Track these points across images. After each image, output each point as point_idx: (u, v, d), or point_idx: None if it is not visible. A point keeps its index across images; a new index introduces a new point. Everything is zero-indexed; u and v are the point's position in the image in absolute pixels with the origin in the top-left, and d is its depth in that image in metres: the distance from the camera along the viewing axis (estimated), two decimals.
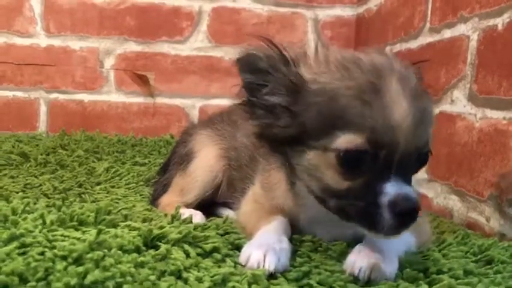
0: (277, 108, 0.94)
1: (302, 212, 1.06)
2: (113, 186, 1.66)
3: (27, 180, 1.63)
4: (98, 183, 1.68)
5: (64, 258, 0.80)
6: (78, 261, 0.80)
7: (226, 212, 1.30)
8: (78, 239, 0.90)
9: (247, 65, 0.95)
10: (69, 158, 1.96)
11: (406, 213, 0.84)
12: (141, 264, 0.82)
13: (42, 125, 2.53)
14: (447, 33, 1.60)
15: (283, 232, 1.01)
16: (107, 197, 1.49)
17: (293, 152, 0.95)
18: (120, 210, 1.30)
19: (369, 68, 0.88)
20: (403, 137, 0.84)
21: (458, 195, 1.45)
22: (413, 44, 1.84)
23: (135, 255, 0.84)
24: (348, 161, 0.87)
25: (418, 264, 0.90)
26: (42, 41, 2.51)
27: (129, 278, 0.76)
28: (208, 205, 1.38)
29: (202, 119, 2.24)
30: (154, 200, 1.43)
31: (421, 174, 1.68)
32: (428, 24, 1.74)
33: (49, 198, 1.41)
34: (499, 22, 1.32)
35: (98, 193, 1.55)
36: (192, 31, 2.61)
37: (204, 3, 2.59)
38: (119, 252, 0.83)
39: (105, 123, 2.56)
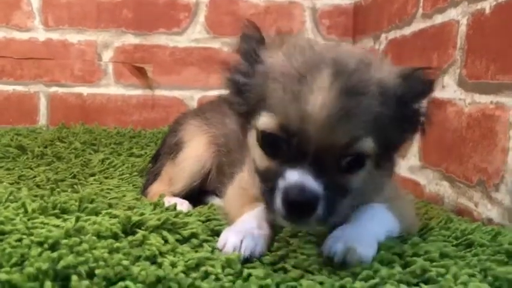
0: (239, 87, 0.97)
1: None
2: (106, 177, 1.67)
3: (22, 172, 1.65)
4: (92, 174, 1.69)
5: (40, 244, 0.82)
6: (54, 247, 0.81)
7: (214, 200, 1.30)
8: (58, 226, 0.91)
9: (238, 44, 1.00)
10: (66, 150, 1.98)
11: (295, 205, 0.82)
12: (117, 250, 0.82)
13: (42, 118, 2.55)
14: (438, 19, 1.58)
15: (264, 218, 1.01)
16: (98, 187, 1.50)
17: (247, 134, 0.98)
18: (110, 199, 1.31)
19: (309, 59, 0.88)
20: (316, 128, 0.83)
21: (449, 181, 1.44)
22: (407, 31, 1.83)
23: (111, 241, 0.85)
24: (266, 142, 0.89)
25: (395, 248, 0.90)
26: (41, 35, 2.52)
27: (101, 263, 0.77)
28: (198, 193, 1.39)
29: None
30: (145, 189, 1.44)
31: (414, 161, 1.67)
32: (421, 10, 1.73)
33: (41, 189, 1.42)
34: (487, 6, 1.30)
35: (91, 184, 1.57)
36: (190, 22, 2.61)
37: None
38: (94, 238, 0.83)
39: (104, 116, 2.57)
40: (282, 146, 0.86)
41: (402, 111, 0.92)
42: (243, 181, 1.15)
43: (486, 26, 1.31)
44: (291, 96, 0.85)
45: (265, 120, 0.88)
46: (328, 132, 0.83)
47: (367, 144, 0.86)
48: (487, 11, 1.30)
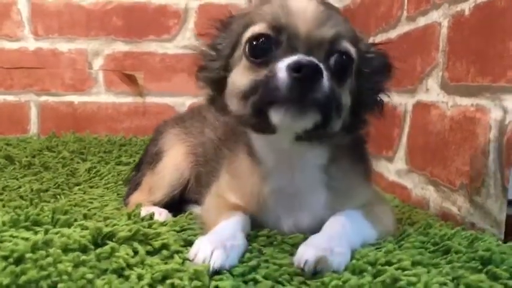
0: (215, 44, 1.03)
1: (267, 185, 1.04)
2: (91, 187, 1.67)
3: (7, 182, 1.64)
4: (78, 184, 1.69)
5: (5, 258, 0.81)
6: (19, 261, 0.80)
7: (193, 209, 1.29)
8: (26, 239, 0.90)
9: None
10: (54, 160, 1.97)
11: (302, 66, 0.82)
12: (82, 263, 0.81)
13: (33, 127, 2.55)
14: (421, 21, 1.57)
15: (240, 229, 0.99)
16: (81, 197, 1.49)
17: (223, 92, 0.98)
18: (90, 209, 1.31)
19: None
20: (304, 22, 0.89)
21: (434, 185, 1.43)
22: (393, 34, 1.81)
23: (77, 253, 0.83)
24: (254, 48, 0.92)
25: (368, 256, 0.88)
26: (31, 44, 2.53)
27: (65, 277, 0.76)
28: (179, 202, 1.38)
29: None
30: (126, 198, 1.43)
31: (401, 164, 1.66)
32: (405, 13, 1.71)
33: (24, 200, 1.41)
34: (466, 7, 1.29)
35: (75, 193, 1.56)
36: (179, 29, 2.61)
37: (190, 0, 2.59)
38: (59, 251, 0.82)
39: (95, 124, 2.57)
40: (271, 48, 0.90)
41: (363, 67, 0.98)
42: (220, 189, 1.15)
43: (466, 27, 1.29)
44: (278, 5, 0.93)
45: (253, 28, 0.92)
46: (315, 26, 0.90)
47: (351, 47, 0.93)
48: (467, 12, 1.29)
